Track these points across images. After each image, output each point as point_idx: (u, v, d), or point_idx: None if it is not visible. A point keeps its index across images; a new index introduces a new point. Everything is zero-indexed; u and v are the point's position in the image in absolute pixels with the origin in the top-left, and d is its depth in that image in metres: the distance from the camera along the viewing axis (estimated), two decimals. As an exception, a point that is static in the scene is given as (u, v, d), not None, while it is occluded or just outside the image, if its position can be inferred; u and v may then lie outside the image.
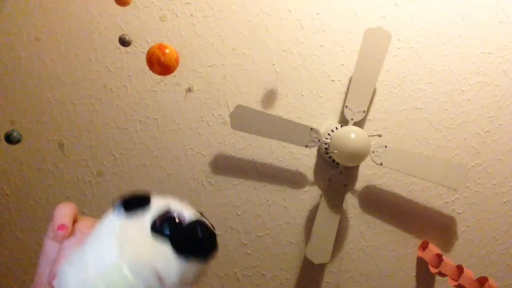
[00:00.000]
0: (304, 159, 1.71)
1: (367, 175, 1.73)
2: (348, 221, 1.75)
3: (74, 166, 1.66)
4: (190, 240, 0.50)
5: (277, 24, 1.65)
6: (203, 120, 1.67)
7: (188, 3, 1.62)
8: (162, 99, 1.65)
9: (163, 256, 0.48)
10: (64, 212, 0.53)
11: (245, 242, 1.73)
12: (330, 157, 1.66)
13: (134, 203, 0.53)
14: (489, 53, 1.69)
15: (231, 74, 1.65)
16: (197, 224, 0.51)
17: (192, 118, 1.67)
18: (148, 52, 1.07)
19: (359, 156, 1.54)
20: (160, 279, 0.47)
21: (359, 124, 1.65)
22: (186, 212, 0.52)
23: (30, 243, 1.68)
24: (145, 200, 0.53)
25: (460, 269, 1.62)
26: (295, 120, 1.61)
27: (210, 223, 0.54)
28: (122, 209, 0.52)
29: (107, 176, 1.67)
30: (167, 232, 0.49)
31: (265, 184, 1.71)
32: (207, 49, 1.64)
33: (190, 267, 0.49)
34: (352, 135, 1.53)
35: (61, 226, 0.53)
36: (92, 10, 1.61)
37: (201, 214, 0.56)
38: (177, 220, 0.51)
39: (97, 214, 1.69)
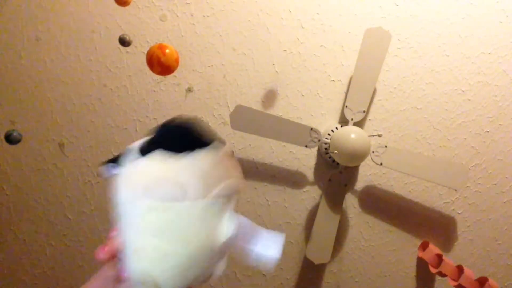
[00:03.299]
0: (304, 159, 1.71)
1: (367, 175, 1.73)
2: (348, 221, 1.75)
3: (74, 166, 1.66)
4: (174, 139, 0.50)
5: (277, 24, 1.65)
6: (203, 120, 1.67)
7: (188, 3, 1.62)
8: (162, 99, 1.65)
9: (166, 164, 0.47)
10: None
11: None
12: (330, 157, 1.66)
13: (117, 157, 0.54)
14: (489, 53, 1.69)
15: (231, 74, 1.65)
16: (170, 126, 0.51)
17: (192, 118, 1.66)
18: (148, 52, 1.07)
19: (359, 156, 1.53)
20: (182, 188, 0.46)
21: (359, 124, 1.65)
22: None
23: (30, 242, 1.68)
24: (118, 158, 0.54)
25: (460, 269, 1.62)
26: (295, 120, 1.61)
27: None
28: (110, 166, 0.53)
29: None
30: (156, 147, 0.50)
31: (265, 184, 1.71)
32: (207, 49, 1.64)
33: (196, 163, 0.48)
34: (352, 135, 1.53)
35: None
36: (92, 10, 1.61)
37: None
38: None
39: (97, 214, 1.70)
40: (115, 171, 0.51)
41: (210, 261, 0.50)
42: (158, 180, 0.47)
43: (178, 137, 0.50)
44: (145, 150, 0.50)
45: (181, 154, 0.48)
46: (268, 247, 0.54)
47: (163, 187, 0.46)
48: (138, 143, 0.52)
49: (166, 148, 0.48)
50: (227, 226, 0.51)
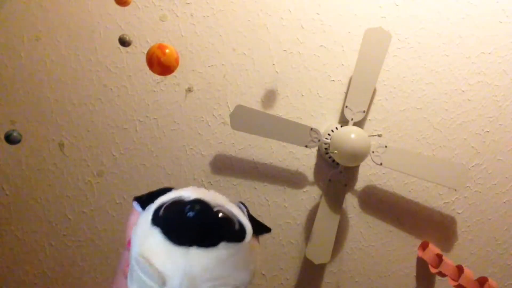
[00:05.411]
0: (304, 159, 1.71)
1: (367, 175, 1.73)
2: (348, 221, 1.75)
3: (74, 166, 1.66)
4: (181, 222, 0.46)
5: (277, 24, 1.64)
6: (203, 120, 1.67)
7: (188, 3, 1.62)
8: (162, 99, 1.65)
9: (158, 246, 0.45)
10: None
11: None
12: (330, 157, 1.66)
13: (149, 197, 0.51)
14: (489, 53, 1.69)
15: (231, 74, 1.65)
16: (192, 206, 0.46)
17: (192, 118, 1.67)
18: (148, 52, 1.07)
19: (359, 156, 1.53)
20: (161, 277, 0.44)
21: (359, 124, 1.65)
22: (193, 196, 0.49)
23: (29, 242, 1.68)
24: (162, 193, 0.51)
25: (460, 269, 1.62)
26: (295, 120, 1.61)
27: (245, 214, 0.49)
28: (138, 206, 0.53)
29: (107, 176, 1.67)
30: (162, 218, 0.47)
31: (265, 184, 1.71)
32: (207, 49, 1.64)
33: (188, 257, 0.44)
34: (352, 135, 1.53)
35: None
36: (92, 10, 1.61)
37: (242, 204, 0.53)
38: (180, 206, 0.48)
39: (97, 214, 1.70)
40: (140, 211, 0.52)
41: None
42: (146, 259, 0.45)
43: (183, 227, 0.46)
44: (155, 220, 0.48)
45: (179, 245, 0.45)
46: None
47: (148, 269, 0.45)
48: (157, 204, 0.50)
49: (168, 231, 0.46)
50: None
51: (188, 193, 0.49)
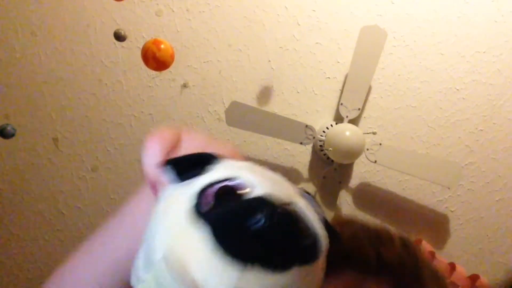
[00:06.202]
0: (299, 156, 1.72)
1: (362, 172, 1.74)
2: (342, 218, 1.76)
3: (68, 161, 1.65)
4: (239, 230, 0.31)
5: (273, 20, 1.64)
6: (198, 116, 1.67)
7: (184, -1, 1.61)
8: (157, 95, 1.65)
9: (202, 252, 0.30)
10: (152, 162, 0.39)
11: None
12: (325, 154, 1.67)
13: (189, 165, 0.36)
14: (484, 52, 1.69)
15: (226, 70, 1.65)
16: (262, 206, 0.31)
17: (187, 114, 1.66)
18: (143, 47, 1.07)
19: (353, 153, 1.54)
20: (195, 285, 0.30)
21: (354, 121, 1.65)
22: (259, 186, 0.33)
23: (24, 238, 1.68)
24: (208, 161, 0.36)
25: (452, 266, 1.63)
26: (290, 117, 1.61)
27: (319, 217, 0.35)
28: (174, 173, 0.35)
29: (101, 171, 1.67)
30: (209, 212, 0.32)
31: (260, 180, 1.71)
32: (202, 45, 1.64)
33: (242, 278, 0.30)
34: (346, 132, 1.53)
35: (153, 186, 0.38)
36: (87, 4, 1.60)
37: (307, 193, 0.37)
38: (235, 195, 0.33)
39: (91, 209, 1.69)
40: (169, 182, 0.36)
41: None
42: (181, 263, 0.31)
43: (245, 238, 0.31)
44: (201, 213, 0.32)
45: (234, 259, 0.30)
46: None
47: (180, 275, 0.31)
48: (203, 184, 0.34)
49: (221, 238, 0.30)
50: None
51: (247, 175, 0.35)
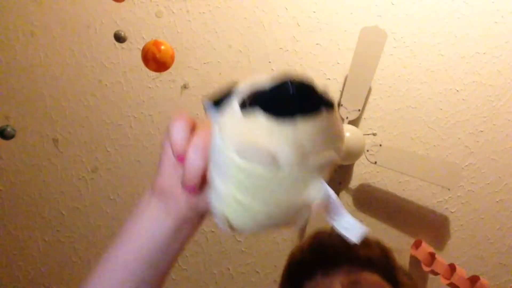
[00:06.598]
0: (299, 157, 1.71)
1: (362, 173, 1.74)
2: (342, 219, 1.75)
3: (68, 162, 1.65)
4: (281, 99, 0.43)
5: (273, 21, 1.64)
6: (198, 117, 1.66)
7: (184, 0, 1.61)
8: (157, 96, 1.65)
9: (261, 128, 0.42)
10: (180, 136, 0.47)
11: (239, 239, 1.74)
12: (324, 155, 1.66)
13: (223, 96, 0.47)
14: (484, 53, 1.69)
15: (226, 71, 1.65)
16: (283, 81, 0.44)
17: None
18: (143, 49, 1.07)
19: (353, 154, 1.54)
20: (272, 156, 0.42)
21: (354, 122, 1.65)
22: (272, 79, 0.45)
23: (23, 238, 1.68)
24: (232, 90, 0.47)
25: (452, 267, 1.63)
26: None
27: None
28: (212, 107, 0.46)
29: (101, 172, 1.67)
30: (256, 104, 0.43)
31: (260, 181, 1.71)
32: (203, 46, 1.64)
33: (296, 129, 0.43)
34: (346, 133, 1.53)
35: (180, 158, 0.46)
36: (87, 5, 1.60)
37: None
38: (263, 89, 0.44)
39: (91, 210, 1.69)
40: (215, 113, 0.47)
41: (290, 219, 0.49)
42: (251, 144, 0.43)
43: (286, 100, 0.44)
44: (248, 104, 0.44)
45: (284, 119, 0.43)
46: (347, 230, 0.52)
47: (256, 153, 0.43)
48: (245, 88, 0.46)
49: (269, 110, 0.43)
50: (314, 195, 0.48)
51: (262, 77, 0.46)
